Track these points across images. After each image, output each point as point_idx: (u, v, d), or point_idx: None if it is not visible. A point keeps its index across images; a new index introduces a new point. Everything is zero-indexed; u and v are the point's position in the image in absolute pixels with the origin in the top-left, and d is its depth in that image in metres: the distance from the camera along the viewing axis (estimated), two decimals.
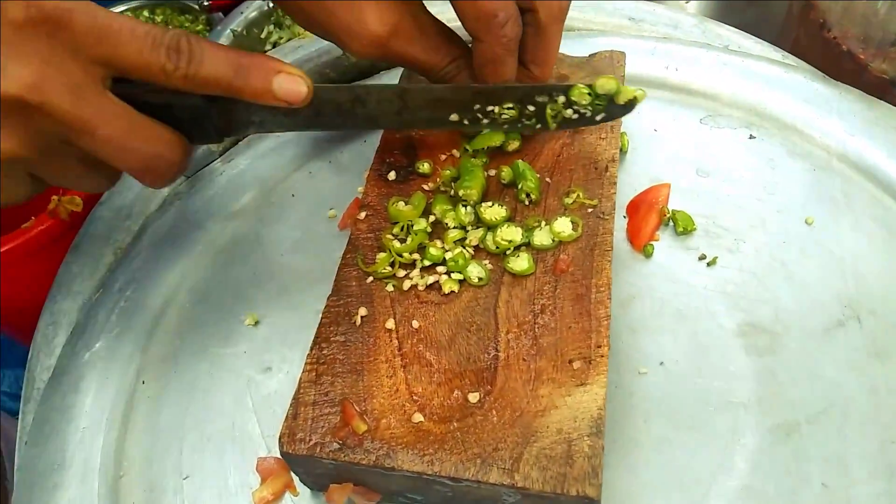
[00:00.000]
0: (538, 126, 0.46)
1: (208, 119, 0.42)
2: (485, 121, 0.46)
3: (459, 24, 0.44)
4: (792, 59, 0.59)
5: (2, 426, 0.63)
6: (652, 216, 0.51)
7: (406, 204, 0.47)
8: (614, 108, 0.45)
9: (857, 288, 0.47)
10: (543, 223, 0.45)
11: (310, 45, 0.64)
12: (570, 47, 0.58)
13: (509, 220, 0.46)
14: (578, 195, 0.46)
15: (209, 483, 0.43)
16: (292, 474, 0.43)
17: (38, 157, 0.38)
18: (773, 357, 0.45)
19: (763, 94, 0.57)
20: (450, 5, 0.43)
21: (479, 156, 0.49)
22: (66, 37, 0.36)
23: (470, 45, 0.46)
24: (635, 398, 0.44)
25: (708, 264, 0.49)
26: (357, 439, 0.37)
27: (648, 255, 0.50)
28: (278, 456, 0.44)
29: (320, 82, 0.64)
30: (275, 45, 0.88)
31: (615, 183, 0.46)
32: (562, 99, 0.45)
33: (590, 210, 0.45)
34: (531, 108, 0.45)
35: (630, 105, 0.45)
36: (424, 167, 0.49)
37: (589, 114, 0.45)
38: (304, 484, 0.42)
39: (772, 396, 0.43)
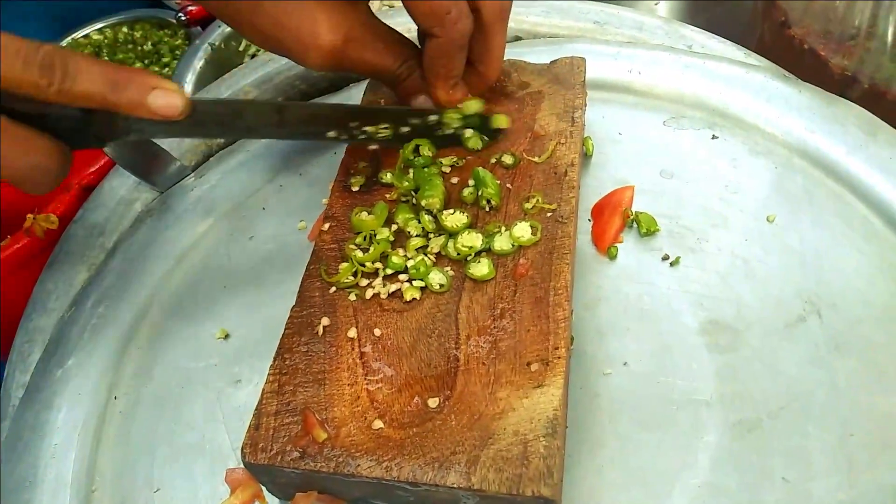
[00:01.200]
0: (414, 140, 0.49)
1: (87, 127, 0.43)
2: (361, 137, 0.49)
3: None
4: (755, 58, 0.59)
5: None
6: (616, 218, 0.52)
7: (369, 214, 0.47)
8: (487, 131, 0.50)
9: (818, 283, 0.47)
10: (503, 228, 0.45)
11: (281, 59, 0.65)
12: (535, 54, 0.59)
13: (470, 226, 0.46)
14: (538, 200, 0.46)
15: (179, 495, 0.44)
16: (260, 485, 0.43)
17: None
18: (734, 354, 0.45)
19: (725, 94, 0.57)
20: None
21: (435, 163, 0.50)
22: None
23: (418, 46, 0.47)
24: (600, 399, 0.44)
25: (671, 264, 0.49)
26: (317, 447, 0.38)
27: (613, 258, 0.50)
28: None
29: (291, 95, 0.65)
30: (253, 56, 0.89)
31: (574, 187, 0.47)
32: (434, 118, 0.49)
33: (549, 214, 0.46)
34: (405, 129, 0.49)
35: (496, 132, 0.50)
36: (387, 177, 0.50)
37: (461, 133, 0.50)
38: (272, 493, 0.42)
39: (733, 393, 0.44)
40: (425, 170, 0.49)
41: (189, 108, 0.43)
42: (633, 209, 0.52)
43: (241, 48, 0.89)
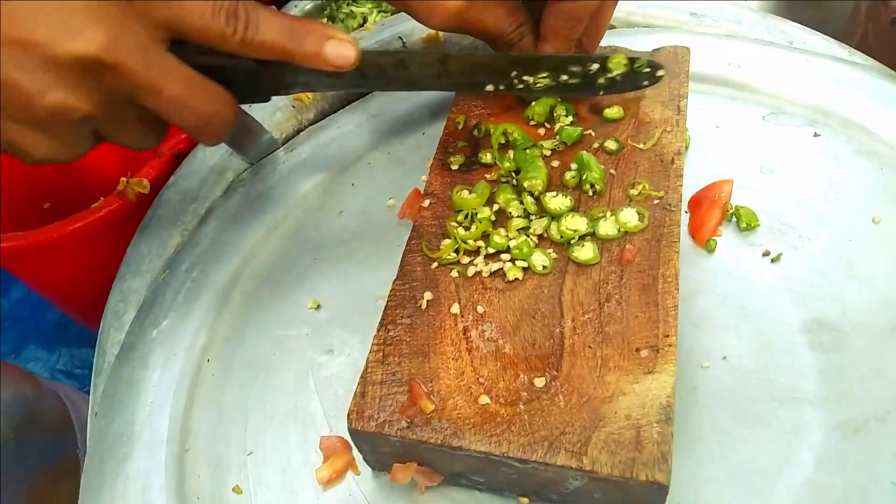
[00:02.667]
0: (574, 90, 0.50)
1: (259, 80, 0.44)
2: (520, 87, 0.49)
3: None
4: (859, 56, 0.58)
5: (71, 398, 0.65)
6: (715, 211, 0.51)
7: (470, 192, 0.47)
8: (651, 77, 0.50)
9: None
10: (609, 213, 0.45)
11: (369, 37, 0.65)
12: (632, 43, 0.58)
13: (573, 210, 0.46)
14: (644, 186, 0.46)
15: (272, 460, 0.44)
16: (354, 453, 0.43)
17: (104, 115, 0.40)
18: (839, 355, 0.44)
19: (827, 91, 0.56)
20: None
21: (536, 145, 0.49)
22: (136, 1, 0.38)
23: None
24: (698, 392, 0.44)
25: (772, 261, 0.49)
26: (425, 418, 0.38)
27: (711, 251, 0.49)
28: (341, 435, 0.45)
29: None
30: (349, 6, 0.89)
31: (681, 175, 0.46)
32: (595, 66, 0.48)
33: (656, 202, 0.45)
34: (564, 77, 0.48)
35: (656, 79, 0.50)
36: (487, 157, 0.50)
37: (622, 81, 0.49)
38: (367, 463, 0.42)
39: (838, 393, 0.43)
40: (526, 151, 0.49)
41: (360, 59, 0.43)
42: (733, 203, 0.51)
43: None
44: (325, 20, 0.89)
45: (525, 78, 0.48)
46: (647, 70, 0.49)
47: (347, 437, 0.44)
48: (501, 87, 0.49)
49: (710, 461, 0.41)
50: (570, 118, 0.51)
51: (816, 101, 0.56)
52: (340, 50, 0.42)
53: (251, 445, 0.45)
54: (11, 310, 0.88)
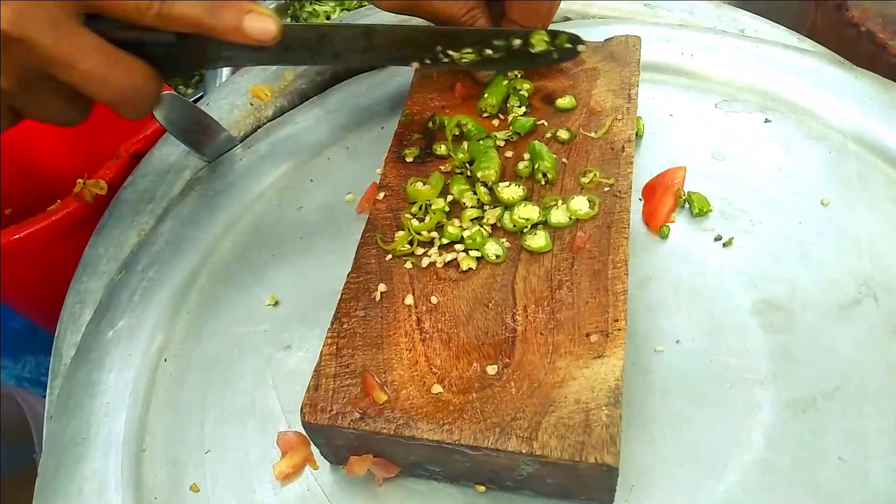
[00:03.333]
0: (498, 64, 0.50)
1: (180, 54, 0.44)
2: (445, 61, 0.49)
3: None
4: (809, 43, 0.59)
5: (28, 402, 0.64)
6: (668, 198, 0.51)
7: (424, 184, 0.47)
8: (570, 52, 0.50)
9: (873, 267, 0.47)
10: (560, 202, 0.45)
11: None
12: (586, 34, 0.58)
13: (526, 199, 0.46)
14: (595, 174, 0.46)
15: (230, 457, 0.44)
16: (312, 448, 0.43)
17: (19, 90, 0.40)
18: (788, 334, 0.45)
19: (778, 79, 0.57)
20: None
21: (489, 136, 0.50)
22: None
23: None
24: (652, 375, 0.44)
25: (724, 245, 0.49)
26: (377, 409, 0.38)
27: (664, 237, 0.50)
28: (299, 430, 0.44)
29: (340, 73, 0.65)
30: None
31: (631, 163, 0.47)
32: (518, 42, 0.48)
33: (606, 189, 0.46)
34: (488, 51, 0.48)
35: (575, 53, 0.50)
36: (441, 149, 0.50)
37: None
38: (324, 457, 0.42)
39: (788, 373, 0.43)
40: (480, 142, 0.49)
41: (281, 33, 0.43)
42: (686, 189, 0.52)
43: None
44: (288, 19, 0.88)
45: (450, 52, 0.48)
46: (569, 46, 0.49)
47: (305, 432, 0.44)
48: (427, 62, 0.49)
49: (663, 442, 0.42)
50: (523, 109, 0.51)
51: (767, 88, 0.57)
52: (260, 23, 0.42)
53: (209, 443, 0.45)
54: None
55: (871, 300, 0.46)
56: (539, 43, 0.48)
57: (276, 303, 0.51)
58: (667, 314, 0.47)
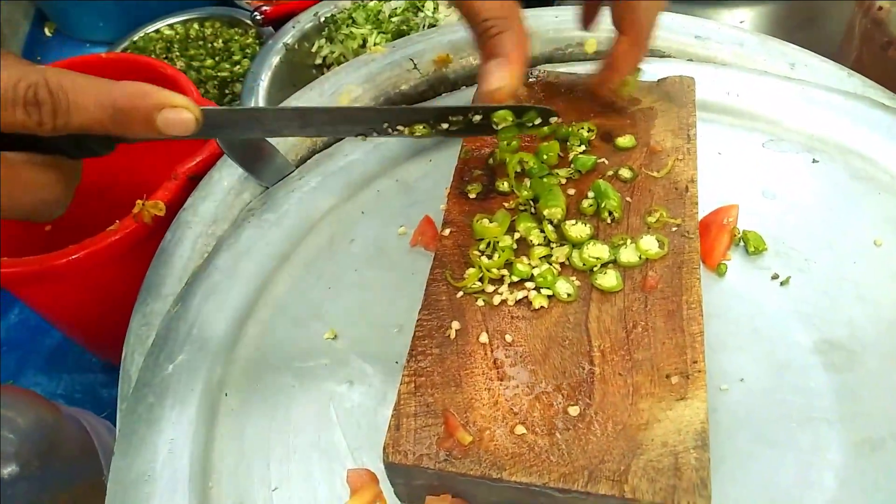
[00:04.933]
0: (456, 134, 0.47)
1: (92, 142, 0.40)
2: (395, 134, 0.46)
3: None
4: (857, 78, 0.60)
5: (91, 423, 0.63)
6: (723, 236, 0.52)
7: (490, 221, 0.48)
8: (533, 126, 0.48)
9: None
10: (629, 241, 0.46)
11: (381, 60, 0.66)
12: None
13: (593, 237, 0.47)
14: (661, 214, 0.47)
15: (298, 495, 0.44)
16: (382, 486, 0.43)
17: None
18: (852, 374, 0.46)
19: (823, 119, 0.58)
20: None
21: (551, 174, 0.50)
22: None
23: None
24: (718, 414, 0.45)
25: (781, 284, 0.50)
26: (463, 450, 0.38)
27: (721, 275, 0.51)
28: (367, 468, 0.44)
29: (392, 95, 0.66)
30: (324, 59, 0.89)
31: (696, 203, 0.48)
32: (478, 117, 0.46)
33: (674, 229, 0.46)
34: (444, 125, 0.46)
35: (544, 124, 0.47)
36: (504, 185, 0.50)
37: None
38: (398, 496, 0.42)
39: (854, 412, 0.44)
40: (543, 180, 0.50)
41: (202, 120, 0.40)
42: (739, 227, 0.53)
43: (313, 49, 0.89)
44: (323, 41, 0.89)
45: (399, 128, 0.46)
46: (539, 121, 0.47)
47: (374, 470, 0.44)
48: (374, 135, 0.46)
49: (733, 483, 0.42)
50: (583, 147, 0.52)
51: (813, 128, 0.58)
52: (176, 118, 0.38)
53: (276, 480, 0.45)
54: (9, 334, 0.86)
55: None
56: (502, 120, 0.46)
57: (335, 336, 0.51)
58: (729, 353, 0.47)
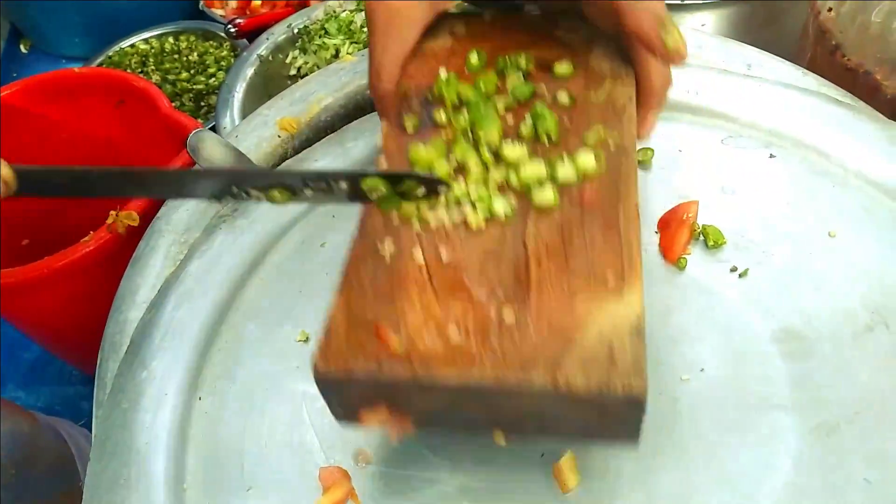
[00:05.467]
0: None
1: None
2: (249, 198, 0.44)
3: None
4: (812, 77, 0.62)
5: (68, 432, 0.64)
6: (683, 231, 0.54)
7: (426, 147, 0.46)
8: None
9: (883, 296, 0.49)
10: (566, 158, 0.45)
11: (350, 69, 0.67)
12: None
13: (530, 157, 0.46)
14: (599, 131, 0.47)
15: (272, 495, 0.45)
16: (354, 483, 0.44)
17: None
18: (807, 362, 0.47)
19: (780, 116, 0.60)
20: None
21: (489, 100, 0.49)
22: None
23: None
24: (679, 404, 0.46)
25: (739, 276, 0.51)
26: (394, 356, 0.38)
27: (682, 268, 0.52)
28: (340, 465, 0.45)
29: (362, 101, 0.66)
30: (298, 70, 0.91)
31: (634, 121, 0.47)
32: (344, 185, 0.44)
33: (612, 147, 0.46)
34: (307, 192, 0.44)
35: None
36: (441, 117, 0.49)
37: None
38: (335, 416, 0.41)
39: (809, 399, 0.45)
40: (480, 107, 0.48)
41: (15, 184, 0.39)
42: (699, 223, 0.54)
43: (287, 60, 0.91)
44: (297, 52, 0.90)
45: (254, 192, 0.43)
46: (422, 192, 0.44)
47: (346, 467, 0.45)
48: (228, 198, 0.43)
49: (695, 468, 0.43)
50: (521, 76, 0.51)
51: (770, 124, 0.60)
52: None
53: (249, 480, 0.45)
54: None
55: (882, 327, 0.48)
56: (373, 189, 0.44)
57: (307, 339, 0.52)
58: (690, 344, 0.49)
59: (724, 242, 0.53)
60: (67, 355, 0.76)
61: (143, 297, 0.55)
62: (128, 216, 0.60)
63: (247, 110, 0.85)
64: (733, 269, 0.52)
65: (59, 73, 0.73)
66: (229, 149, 0.60)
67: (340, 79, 0.67)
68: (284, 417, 0.48)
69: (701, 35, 0.67)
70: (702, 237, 0.54)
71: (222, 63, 0.99)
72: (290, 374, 0.50)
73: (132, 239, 0.59)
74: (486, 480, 0.44)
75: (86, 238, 0.61)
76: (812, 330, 0.48)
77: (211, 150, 0.58)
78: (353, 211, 0.59)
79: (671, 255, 0.53)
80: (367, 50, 0.69)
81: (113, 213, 0.61)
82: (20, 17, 1.19)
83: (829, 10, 0.64)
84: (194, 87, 0.97)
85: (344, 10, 0.90)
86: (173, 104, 0.83)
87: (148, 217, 0.60)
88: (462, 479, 0.44)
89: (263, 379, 0.50)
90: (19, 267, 0.59)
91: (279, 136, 0.64)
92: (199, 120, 0.94)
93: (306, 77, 0.67)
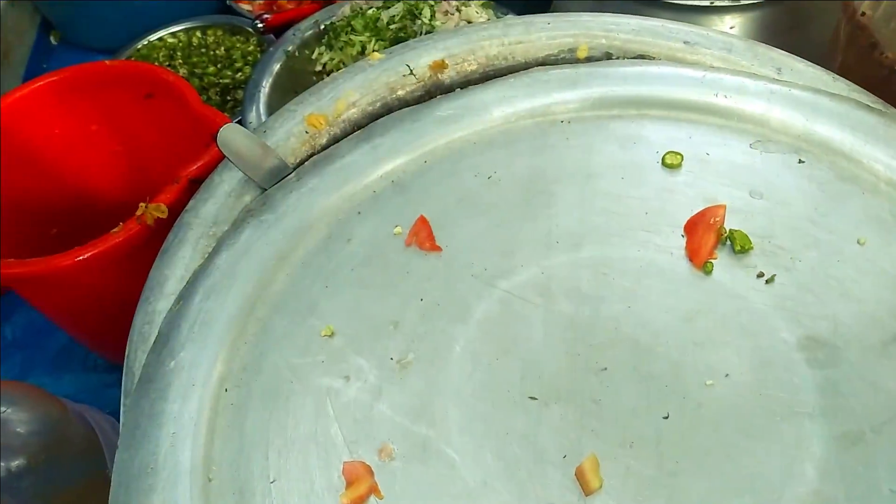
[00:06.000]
0: None
1: None
2: None
3: None
4: (842, 82, 0.62)
5: (96, 419, 0.65)
6: (710, 235, 0.53)
7: None
8: None
9: None
10: None
11: (378, 66, 0.67)
12: (624, 74, 0.61)
13: None
14: None
15: (296, 487, 0.45)
16: (377, 478, 0.45)
17: None
18: (834, 370, 0.47)
19: (810, 121, 0.59)
20: None
21: None
22: None
23: None
24: (703, 409, 0.46)
25: (767, 282, 0.51)
26: None
27: (708, 273, 0.52)
28: (363, 461, 0.46)
29: (390, 101, 0.67)
30: (324, 66, 0.91)
31: None
32: None
33: None
34: None
35: None
36: None
37: None
38: None
39: (835, 407, 0.45)
40: None
41: None
42: (726, 227, 0.54)
43: (313, 56, 0.91)
44: (323, 48, 0.91)
45: None
46: None
47: (370, 463, 0.46)
48: None
49: (720, 475, 0.43)
50: None
51: (800, 129, 0.59)
52: None
53: (274, 473, 0.46)
54: (15, 334, 0.88)
55: None
56: None
57: (332, 333, 0.52)
58: (715, 349, 0.49)
59: (752, 247, 0.53)
60: (93, 343, 0.78)
61: (172, 288, 0.56)
62: (157, 208, 0.61)
63: (273, 105, 0.86)
64: (760, 275, 0.52)
65: (90, 65, 0.74)
66: (258, 143, 0.61)
67: (367, 76, 0.67)
68: (309, 411, 0.48)
69: (729, 38, 0.66)
70: (729, 242, 0.53)
71: (249, 58, 1.00)
72: (315, 369, 0.50)
73: (161, 230, 0.59)
74: (509, 480, 0.45)
75: (115, 229, 0.61)
76: (839, 337, 0.48)
77: (240, 144, 0.58)
78: (378, 207, 0.60)
79: (697, 259, 0.53)
80: (393, 48, 0.70)
81: (142, 205, 0.61)
82: (51, 9, 1.21)
83: (863, 13, 0.63)
84: (221, 81, 0.97)
85: (370, 7, 0.91)
86: (201, 98, 0.84)
87: (177, 209, 0.61)
88: (484, 476, 0.45)
89: (288, 372, 0.50)
90: (48, 256, 0.59)
91: (307, 133, 0.64)
92: (226, 114, 0.95)
93: (334, 74, 0.67)
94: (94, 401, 0.80)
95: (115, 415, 0.79)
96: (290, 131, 0.64)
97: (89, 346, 0.79)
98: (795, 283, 0.51)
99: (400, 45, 0.70)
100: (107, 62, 0.75)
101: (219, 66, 0.99)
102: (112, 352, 0.78)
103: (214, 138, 0.58)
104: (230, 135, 0.57)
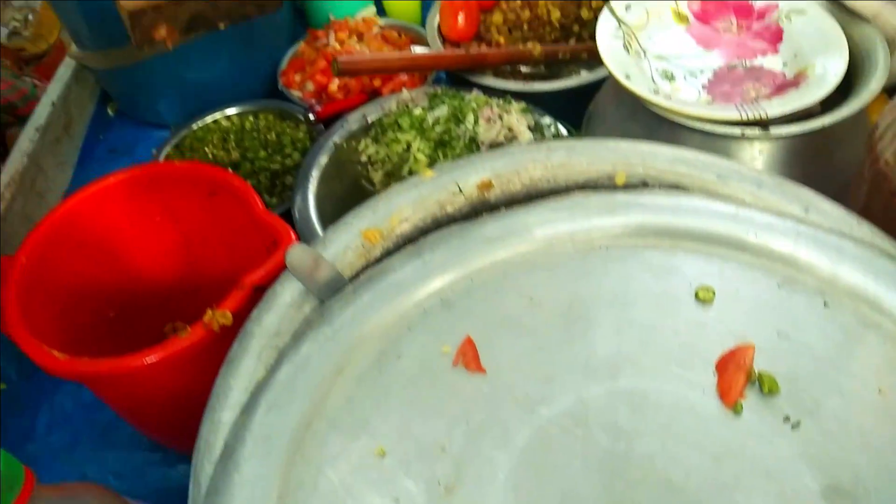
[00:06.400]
0: None
1: None
2: None
3: None
4: (867, 226, 0.65)
5: None
6: (740, 375, 0.57)
7: None
8: None
9: None
10: None
11: (430, 182, 0.72)
12: (658, 207, 0.65)
13: None
14: None
15: None
16: None
17: None
18: None
19: (835, 265, 0.63)
20: None
21: None
22: None
23: None
24: None
25: (792, 427, 0.55)
26: None
27: (738, 413, 0.56)
28: None
29: (438, 217, 0.72)
30: (369, 157, 0.96)
31: None
32: None
33: None
34: None
35: None
36: None
37: None
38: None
39: None
40: None
41: None
42: (756, 367, 0.58)
43: (359, 147, 0.96)
44: (369, 141, 0.96)
45: None
46: None
47: None
48: None
49: None
50: None
51: (825, 273, 0.63)
52: None
53: None
54: (65, 408, 0.91)
55: None
56: None
57: (384, 454, 0.56)
58: (742, 491, 0.52)
59: (779, 390, 0.57)
60: (148, 432, 0.81)
61: (236, 398, 0.60)
62: (222, 315, 0.65)
63: (320, 196, 0.91)
64: (786, 419, 0.55)
65: (161, 165, 0.79)
66: (319, 259, 0.65)
67: (420, 193, 0.72)
68: None
69: (760, 174, 0.71)
70: (757, 383, 0.57)
71: (297, 144, 1.05)
72: (367, 488, 0.54)
73: (225, 336, 0.63)
74: None
75: (183, 333, 0.65)
76: (860, 488, 0.52)
77: (304, 261, 0.63)
78: (427, 325, 0.64)
79: (728, 398, 0.56)
80: (443, 165, 0.75)
81: (209, 311, 0.66)
82: (111, 84, 1.27)
83: (886, 163, 0.68)
84: (271, 166, 1.03)
85: (417, 107, 0.96)
86: (250, 181, 0.88)
87: (241, 315, 0.65)
88: None
89: (343, 492, 0.54)
90: (119, 357, 0.64)
91: (363, 247, 0.69)
92: (275, 199, 1.00)
93: (388, 189, 0.72)
94: (137, 478, 0.84)
95: (159, 493, 0.83)
96: (348, 245, 0.69)
97: (143, 433, 0.83)
98: (820, 430, 0.54)
99: (449, 163, 0.74)
100: (176, 162, 0.80)
101: (269, 150, 1.04)
102: (167, 440, 0.82)
103: (282, 254, 0.63)
104: (297, 254, 0.62)
